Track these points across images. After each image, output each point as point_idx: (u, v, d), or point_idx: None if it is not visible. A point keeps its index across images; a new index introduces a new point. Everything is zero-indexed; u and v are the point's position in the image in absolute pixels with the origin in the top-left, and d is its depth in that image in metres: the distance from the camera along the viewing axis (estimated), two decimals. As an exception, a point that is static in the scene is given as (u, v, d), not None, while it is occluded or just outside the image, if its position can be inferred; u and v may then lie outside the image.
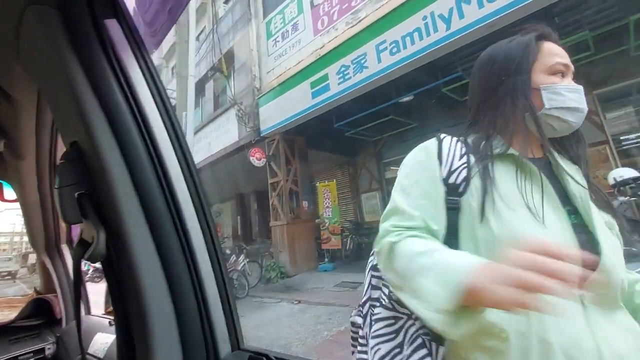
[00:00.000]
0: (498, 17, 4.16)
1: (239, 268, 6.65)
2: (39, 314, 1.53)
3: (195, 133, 10.95)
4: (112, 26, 0.59)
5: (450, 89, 6.66)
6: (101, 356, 1.08)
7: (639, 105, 6.14)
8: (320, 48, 7.15)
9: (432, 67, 6.06)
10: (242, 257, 6.90)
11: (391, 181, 9.73)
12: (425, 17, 4.90)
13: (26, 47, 0.65)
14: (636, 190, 2.56)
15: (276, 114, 7.85)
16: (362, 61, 5.88)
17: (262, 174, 10.45)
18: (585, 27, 4.95)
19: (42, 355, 1.39)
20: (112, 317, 1.27)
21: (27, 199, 1.44)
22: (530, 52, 0.66)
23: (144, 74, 0.62)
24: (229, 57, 10.23)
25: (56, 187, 0.55)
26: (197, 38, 11.12)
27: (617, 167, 5.85)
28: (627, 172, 2.62)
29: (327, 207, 7.65)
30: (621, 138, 6.20)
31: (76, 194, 0.54)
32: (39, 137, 1.12)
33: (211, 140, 10.52)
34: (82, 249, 0.54)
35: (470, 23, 4.40)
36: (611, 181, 2.70)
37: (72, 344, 1.32)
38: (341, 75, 6.29)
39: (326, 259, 7.45)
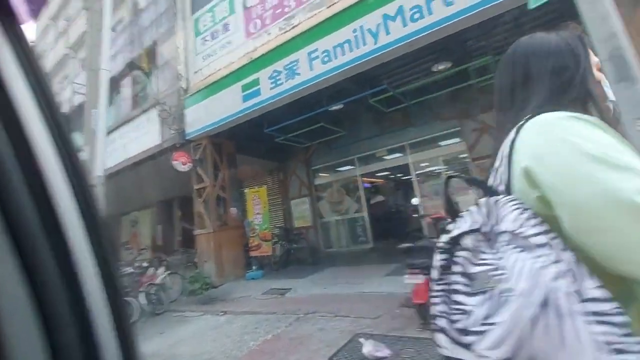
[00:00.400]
0: (417, 37, 4.63)
1: (158, 281, 6.02)
2: None
3: (109, 133, 9.73)
4: None
5: (376, 100, 7.17)
6: None
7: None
8: (253, 51, 7.04)
9: (361, 78, 6.43)
10: (161, 269, 6.26)
11: (320, 187, 10.01)
12: (355, 30, 5.21)
13: None
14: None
15: (204, 116, 7.44)
16: (295, 68, 5.96)
17: (188, 179, 9.77)
18: (489, 53, 5.84)
19: None
20: None
21: None
22: (587, 47, 0.73)
23: (17, 60, 0.49)
24: (151, 53, 9.39)
25: None
26: (114, 29, 9.96)
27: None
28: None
29: (258, 213, 7.46)
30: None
31: None
32: None
33: (128, 142, 9.44)
34: None
35: (395, 39, 4.82)
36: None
37: None
38: (273, 80, 6.27)
39: (254, 267, 7.21)
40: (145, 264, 6.42)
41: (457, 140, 7.99)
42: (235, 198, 7.82)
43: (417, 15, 4.73)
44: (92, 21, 7.23)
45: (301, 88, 5.89)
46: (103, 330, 0.50)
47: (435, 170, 8.44)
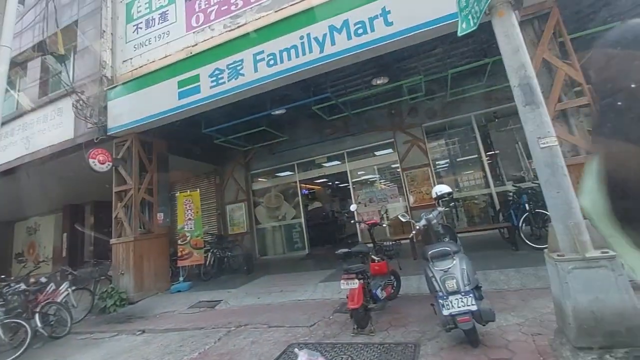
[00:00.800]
0: (360, 51, 4.83)
1: (59, 299, 5.09)
2: None
3: (5, 123, 8.14)
4: None
5: (319, 108, 7.28)
6: None
7: (448, 138, 8.31)
8: (193, 46, 6.61)
9: (305, 84, 6.50)
10: (64, 285, 5.31)
11: (258, 192, 9.74)
12: (302, 37, 5.22)
13: None
14: (448, 202, 3.29)
15: (132, 110, 6.68)
16: (239, 67, 5.73)
17: (106, 181, 8.63)
18: (421, 73, 6.36)
19: None
20: None
21: None
22: None
23: None
24: (69, 34, 8.20)
25: None
26: (22, 1, 8.51)
27: (435, 184, 7.66)
28: (444, 188, 3.37)
29: (189, 219, 6.86)
30: (436, 163, 8.16)
31: None
32: None
33: (32, 134, 8.03)
34: None
35: (339, 50, 4.94)
36: (433, 195, 3.39)
37: None
38: (214, 78, 5.92)
39: (181, 278, 6.57)
40: (43, 279, 5.37)
41: (390, 150, 8.53)
42: (164, 202, 7.09)
43: (360, 31, 4.94)
44: (-10, -14, 6.01)
45: (245, 89, 5.66)
46: None
47: (370, 178, 8.86)
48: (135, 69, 7.20)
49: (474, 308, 2.44)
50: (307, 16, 5.40)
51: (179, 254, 6.68)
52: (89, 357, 3.88)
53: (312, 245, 8.88)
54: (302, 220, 8.93)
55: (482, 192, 7.69)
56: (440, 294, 2.58)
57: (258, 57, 5.66)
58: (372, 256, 3.73)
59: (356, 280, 3.04)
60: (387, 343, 2.85)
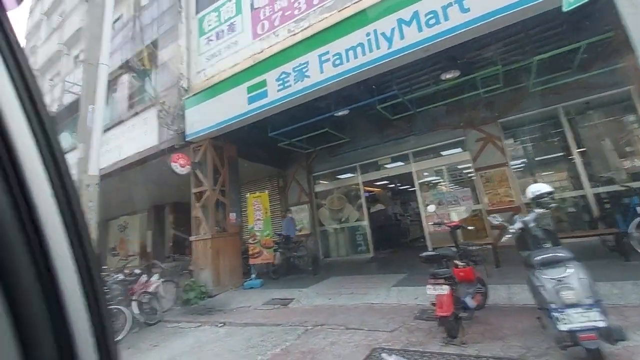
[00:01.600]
0: (432, 42, 4.56)
1: (151, 290, 5.66)
2: None
3: (104, 132, 9.36)
4: None
5: (384, 107, 7.07)
6: None
7: (529, 134, 7.48)
8: (259, 53, 6.90)
9: (370, 83, 6.36)
10: (155, 276, 5.90)
11: (321, 194, 9.80)
12: (369, 34, 5.12)
13: None
14: (547, 204, 2.91)
15: (206, 117, 7.21)
16: (304, 70, 5.82)
17: (183, 183, 9.43)
18: (497, 64, 5.82)
19: None
20: None
21: None
22: None
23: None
24: (151, 51, 9.17)
25: None
26: (113, 26, 9.75)
27: (514, 184, 6.95)
28: (542, 187, 2.98)
29: (258, 219, 7.17)
30: (514, 162, 7.40)
31: None
32: None
33: (122, 143, 9.10)
34: None
35: (409, 44, 4.73)
36: (529, 195, 3.03)
37: None
38: (281, 82, 6.11)
39: (253, 275, 6.89)
40: (137, 271, 6.05)
41: (460, 150, 7.97)
42: (235, 203, 7.53)
43: (432, 21, 4.67)
44: (92, 13, 6.96)
45: (310, 90, 5.74)
46: (84, 342, 0.48)
47: (438, 179, 8.38)
48: (208, 78, 7.76)
49: (602, 324, 2.09)
50: (373, 12, 5.27)
51: (250, 253, 7.01)
52: (179, 344, 4.22)
53: (376, 248, 8.69)
54: (366, 222, 8.78)
55: (573, 194, 6.76)
56: (554, 306, 2.27)
57: (323, 58, 5.69)
58: (456, 261, 3.47)
59: (446, 286, 2.83)
60: (486, 357, 2.60)
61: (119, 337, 4.61)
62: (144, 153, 8.25)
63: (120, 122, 9.37)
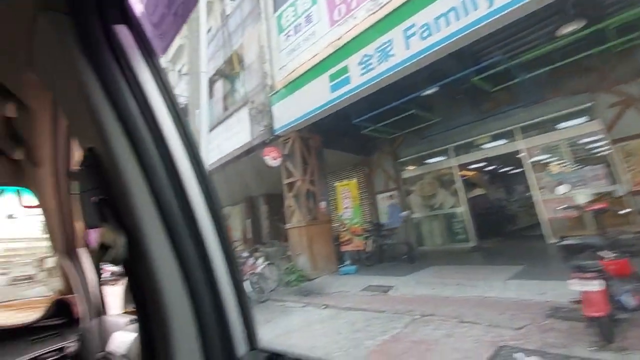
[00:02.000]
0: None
1: (258, 271, 6.24)
2: (60, 314, 1.61)
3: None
4: (122, 31, 0.59)
5: (481, 79, 6.27)
6: (120, 353, 1.09)
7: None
8: (338, 39, 6.79)
9: (463, 53, 5.69)
10: (260, 259, 6.48)
11: (409, 181, 9.34)
12: (463, -5, 4.53)
13: (39, 55, 0.67)
14: None
15: (291, 111, 7.49)
16: (388, 49, 5.51)
17: (273, 175, 10.08)
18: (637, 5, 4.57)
19: (63, 354, 1.45)
20: (128, 317, 1.32)
21: (46, 205, 1.48)
22: None
23: (154, 78, 0.62)
24: (238, 55, 9.92)
25: (75, 193, 0.66)
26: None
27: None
28: None
29: (347, 207, 7.22)
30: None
31: (95, 199, 0.57)
32: (55, 143, 1.13)
33: (221, 142, 10.16)
34: (102, 252, 0.56)
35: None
36: None
37: (93, 342, 1.38)
38: (364, 65, 5.92)
39: (347, 262, 7.00)
40: (245, 254, 6.73)
41: (586, 119, 6.58)
42: (323, 192, 7.73)
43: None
44: (190, 29, 7.84)
45: (396, 70, 5.41)
46: (234, 324, 0.60)
47: (556, 157, 7.09)
48: (289, 73, 8.02)
49: None
50: (467, -32, 4.63)
51: (341, 240, 7.13)
52: (288, 321, 4.54)
53: (479, 236, 7.87)
54: (463, 208, 8.01)
55: None
56: None
57: (409, 33, 5.27)
58: (602, 253, 2.84)
59: (598, 281, 2.34)
60: (663, 369, 2.08)
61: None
62: (239, 150, 9.06)
63: (218, 123, 10.46)
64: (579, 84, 6.48)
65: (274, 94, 8.14)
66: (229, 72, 10.04)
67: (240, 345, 0.60)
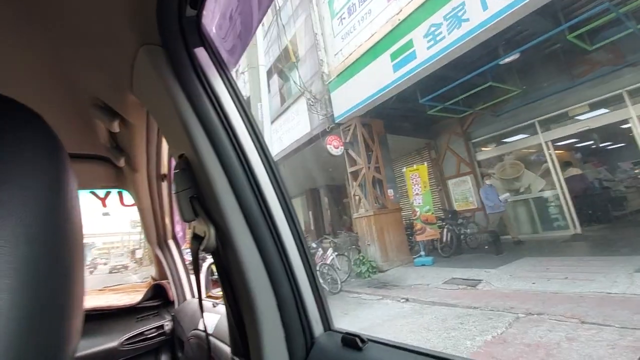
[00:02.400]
0: None
1: (329, 262, 6.16)
2: (157, 297, 1.89)
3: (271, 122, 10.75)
4: (201, 53, 0.70)
5: (577, 35, 5.25)
6: (208, 332, 1.16)
7: None
8: (398, 13, 6.27)
9: (550, 9, 4.82)
10: (330, 250, 6.40)
11: (485, 163, 8.44)
12: None
13: (138, 79, 0.79)
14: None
15: (350, 97, 7.20)
16: (460, 13, 4.89)
17: (333, 166, 9.95)
18: None
19: (162, 331, 1.69)
20: (214, 300, 1.44)
21: (142, 204, 1.72)
22: None
23: (228, 90, 0.71)
24: (293, 46, 9.86)
25: (174, 192, 0.70)
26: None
27: None
28: None
29: (417, 194, 6.73)
30: None
31: (189, 197, 0.66)
32: (148, 152, 1.33)
33: (281, 135, 10.30)
34: (197, 242, 0.65)
35: None
36: None
37: (185, 321, 1.52)
38: (431, 36, 5.36)
39: (422, 252, 6.56)
40: (313, 245, 6.71)
41: None
42: (390, 179, 7.34)
43: None
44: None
45: (472, 35, 4.77)
46: (310, 308, 0.66)
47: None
48: (346, 58, 7.70)
49: None
50: None
51: (414, 229, 6.70)
52: (368, 315, 4.33)
53: (582, 223, 6.76)
54: (558, 191, 6.93)
55: None
56: None
57: (487, -11, 4.58)
58: None
59: None
60: None
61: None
62: (300, 141, 9.05)
63: (278, 116, 10.62)
64: None
65: (331, 81, 7.93)
66: (284, 64, 10.06)
67: (317, 327, 0.66)
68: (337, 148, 7.30)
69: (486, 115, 7.94)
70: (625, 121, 6.25)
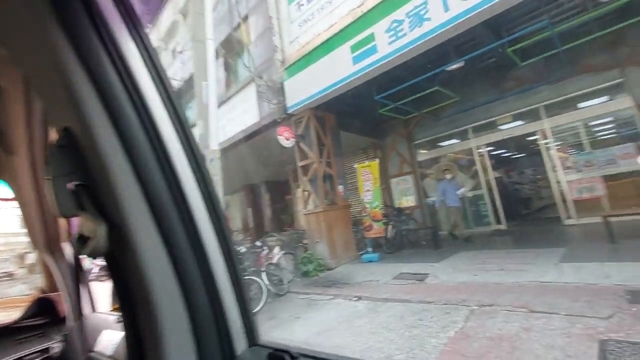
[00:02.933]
0: None
1: (275, 261, 5.73)
2: (44, 313, 1.52)
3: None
4: (102, 1, 0.53)
5: (514, 50, 5.79)
6: (109, 354, 1.02)
7: None
8: (359, 6, 6.18)
9: (500, 21, 5.22)
10: (277, 249, 5.97)
11: (425, 164, 8.93)
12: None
13: (8, 26, 0.57)
14: None
15: (306, 87, 6.90)
16: (422, 12, 4.95)
17: (276, 161, 9.51)
18: None
19: (47, 355, 1.37)
20: (117, 315, 1.18)
21: (23, 197, 1.36)
22: None
23: (140, 52, 0.56)
24: (243, 29, 9.14)
25: (47, 177, 0.51)
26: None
27: None
28: None
29: (368, 190, 6.73)
30: None
31: (71, 185, 0.51)
32: (30, 129, 1.06)
33: (224, 124, 9.44)
34: (81, 245, 0.51)
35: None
36: None
37: (80, 342, 1.30)
38: (393, 32, 5.35)
39: (369, 249, 6.56)
40: (258, 243, 6.21)
41: (606, 98, 6.30)
42: (340, 175, 7.21)
43: None
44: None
45: (433, 35, 4.88)
46: (232, 318, 0.58)
47: (580, 134, 6.76)
48: (302, 46, 7.37)
49: None
50: None
51: (364, 226, 6.65)
52: (321, 317, 4.06)
53: (507, 219, 7.62)
54: (485, 191, 7.68)
55: None
56: None
57: (448, -9, 4.72)
58: None
59: None
60: None
61: (258, 307, 4.68)
62: (247, 131, 8.40)
63: (221, 103, 9.72)
64: (608, 59, 6.13)
65: (285, 69, 7.50)
66: (232, 46, 9.26)
67: (240, 342, 0.58)
68: (289, 140, 6.91)
69: (427, 119, 8.41)
70: (535, 132, 7.20)
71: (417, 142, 8.97)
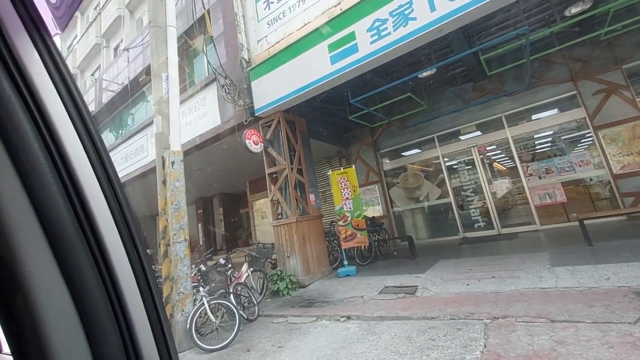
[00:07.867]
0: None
1: (243, 280, 4.92)
2: None
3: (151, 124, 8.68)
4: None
5: (485, 59, 5.98)
6: None
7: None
8: (336, 5, 5.92)
9: (473, 28, 5.33)
10: (245, 266, 5.16)
11: (391, 173, 8.85)
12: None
13: None
14: None
15: (276, 88, 6.37)
16: (407, 11, 4.81)
17: (231, 171, 8.69)
18: None
19: None
20: None
21: None
22: None
23: (42, 58, 0.50)
24: (203, 26, 8.36)
25: None
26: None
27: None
28: None
29: (347, 198, 6.26)
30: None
31: None
32: None
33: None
34: None
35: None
36: None
37: None
38: (375, 31, 5.13)
39: (345, 262, 6.03)
40: (222, 261, 5.31)
41: (555, 110, 6.85)
42: (312, 183, 6.68)
43: None
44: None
45: (418, 35, 4.72)
46: (140, 328, 0.50)
47: (541, 144, 7.21)
48: (272, 45, 6.88)
49: None
50: None
51: (343, 236, 6.13)
52: (310, 344, 3.39)
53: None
54: (453, 200, 7.74)
55: None
56: None
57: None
58: None
59: None
60: None
61: (231, 337, 3.81)
62: (205, 136, 7.51)
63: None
64: (563, 72, 6.66)
65: (252, 69, 6.90)
66: (189, 44, 8.40)
67: None
68: (257, 144, 6.23)
69: (393, 128, 8.40)
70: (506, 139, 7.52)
71: (384, 150, 8.89)
